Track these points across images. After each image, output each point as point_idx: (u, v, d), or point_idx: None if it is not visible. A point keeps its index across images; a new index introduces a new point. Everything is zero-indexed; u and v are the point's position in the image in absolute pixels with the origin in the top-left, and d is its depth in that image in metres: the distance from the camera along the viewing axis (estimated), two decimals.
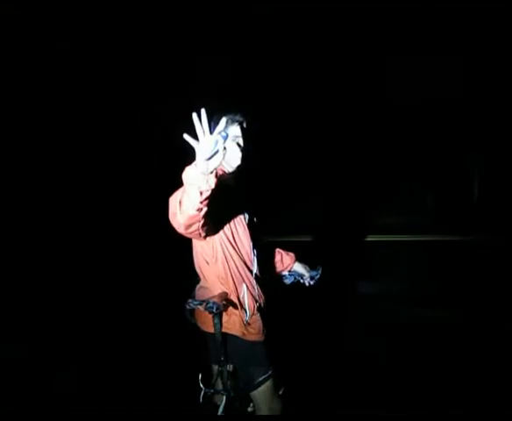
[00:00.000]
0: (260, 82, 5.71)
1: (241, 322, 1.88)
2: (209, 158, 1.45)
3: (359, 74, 6.33)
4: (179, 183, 1.53)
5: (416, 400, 2.87)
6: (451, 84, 6.22)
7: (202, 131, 1.44)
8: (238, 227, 1.91)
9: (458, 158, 7.24)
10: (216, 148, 1.44)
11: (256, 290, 1.95)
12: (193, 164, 1.49)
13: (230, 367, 1.90)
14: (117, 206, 4.85)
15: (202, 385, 1.82)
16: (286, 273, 2.31)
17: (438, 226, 6.77)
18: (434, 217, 7.29)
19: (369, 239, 6.60)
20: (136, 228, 4.82)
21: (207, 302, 1.75)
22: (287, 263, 2.28)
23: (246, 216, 1.97)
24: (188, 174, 1.48)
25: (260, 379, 1.88)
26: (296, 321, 4.04)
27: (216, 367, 1.92)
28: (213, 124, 1.94)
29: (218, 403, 1.87)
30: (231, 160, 1.92)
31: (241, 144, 1.92)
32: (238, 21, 4.85)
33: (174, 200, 1.57)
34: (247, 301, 1.90)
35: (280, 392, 2.10)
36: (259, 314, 1.93)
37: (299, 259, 2.31)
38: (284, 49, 5.57)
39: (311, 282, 2.29)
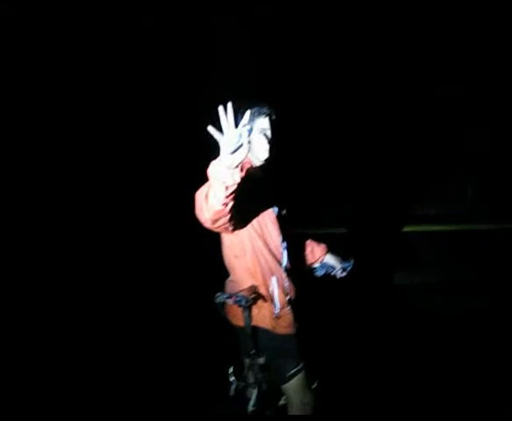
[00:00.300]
0: (292, 77, 5.66)
1: (271, 315, 1.87)
2: (234, 152, 1.43)
3: (400, 65, 6.18)
4: (202, 178, 1.53)
5: (461, 394, 2.79)
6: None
7: (227, 123, 1.43)
8: (267, 220, 1.89)
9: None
10: (241, 142, 1.42)
11: (286, 283, 1.93)
12: (218, 158, 1.47)
13: (261, 361, 1.89)
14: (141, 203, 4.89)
15: (233, 378, 1.83)
16: (317, 265, 2.27)
17: (479, 215, 6.52)
18: (475, 205, 7.03)
19: (409, 230, 6.44)
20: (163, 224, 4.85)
21: (236, 295, 1.75)
22: (318, 255, 2.25)
23: (275, 208, 1.94)
24: (214, 168, 1.46)
25: (292, 372, 1.87)
26: (334, 314, 4.02)
27: (247, 361, 1.91)
28: (239, 116, 1.93)
29: (249, 396, 1.86)
30: (259, 152, 1.90)
31: (268, 136, 1.90)
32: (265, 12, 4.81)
33: (200, 195, 1.56)
34: (277, 294, 1.88)
35: (314, 386, 2.08)
36: (289, 307, 1.91)
37: (330, 250, 2.27)
38: (319, 43, 5.50)
39: (343, 274, 2.25)
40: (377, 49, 5.95)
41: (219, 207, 1.51)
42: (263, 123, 1.88)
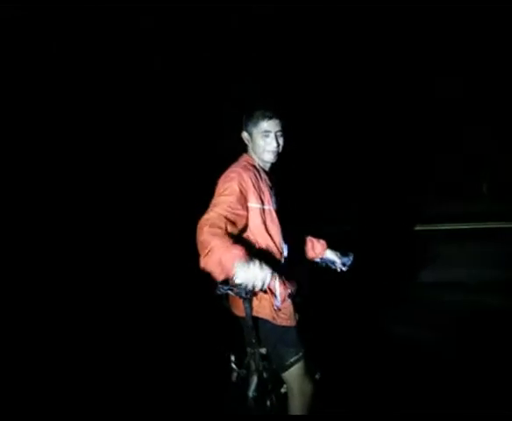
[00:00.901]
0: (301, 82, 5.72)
1: (271, 307, 1.96)
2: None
3: (409, 67, 6.20)
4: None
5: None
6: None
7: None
8: (269, 217, 1.99)
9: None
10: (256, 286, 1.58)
11: (287, 277, 2.02)
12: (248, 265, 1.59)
13: (262, 350, 1.99)
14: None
15: (234, 366, 1.93)
16: (318, 260, 2.36)
17: (494, 214, 6.47)
18: (490, 204, 6.98)
19: (424, 228, 6.44)
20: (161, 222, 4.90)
21: (237, 287, 1.84)
22: (318, 251, 2.33)
23: (276, 205, 2.04)
24: (238, 268, 1.59)
25: (291, 360, 1.95)
26: (348, 309, 4.07)
27: (249, 349, 2.01)
28: (245, 116, 2.04)
29: (250, 383, 1.96)
30: (261, 154, 2.01)
31: (271, 138, 1.99)
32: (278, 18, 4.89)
33: (205, 243, 1.67)
34: (278, 287, 1.97)
35: (317, 376, 2.17)
36: (290, 300, 2.00)
37: (330, 246, 2.36)
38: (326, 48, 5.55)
39: (343, 269, 2.33)
40: (386, 50, 5.98)
41: (215, 275, 1.65)
42: (266, 125, 1.98)
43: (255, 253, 1.89)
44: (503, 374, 3.03)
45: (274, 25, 5.42)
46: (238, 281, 1.58)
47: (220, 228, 1.71)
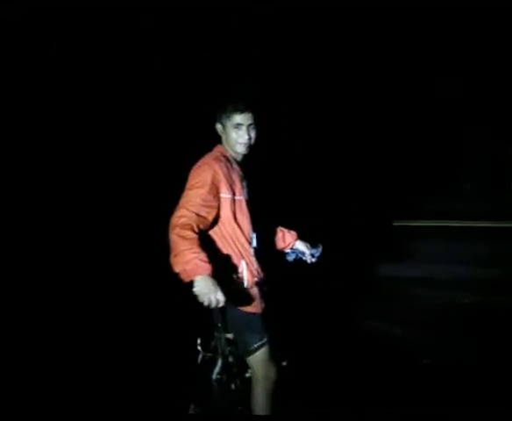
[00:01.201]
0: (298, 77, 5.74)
1: (239, 294, 2.03)
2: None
3: (407, 67, 6.26)
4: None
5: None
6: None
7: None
8: (239, 207, 2.05)
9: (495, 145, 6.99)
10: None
11: (255, 266, 2.09)
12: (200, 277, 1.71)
13: (227, 335, 2.06)
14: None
15: (200, 349, 2.00)
16: (288, 250, 2.43)
17: (475, 212, 6.60)
18: (473, 203, 7.10)
19: (403, 224, 6.55)
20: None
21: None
22: (288, 241, 2.41)
23: (247, 196, 2.10)
24: (193, 270, 1.72)
25: (255, 346, 2.03)
26: (320, 302, 4.15)
27: (215, 334, 2.08)
28: (218, 109, 2.09)
29: (215, 367, 2.03)
30: (233, 146, 2.07)
31: (243, 131, 2.03)
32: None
33: (174, 245, 1.78)
34: (246, 275, 2.04)
35: (284, 363, 2.25)
36: (256, 289, 2.08)
37: (301, 237, 2.43)
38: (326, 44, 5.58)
39: (312, 260, 2.41)
40: (386, 50, 6.03)
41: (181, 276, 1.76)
42: (238, 118, 2.03)
43: (222, 259, 1.99)
44: (472, 369, 3.15)
45: (275, 26, 5.44)
46: (194, 291, 1.71)
47: (191, 229, 1.79)
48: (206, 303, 1.71)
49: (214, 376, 1.98)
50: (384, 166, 6.93)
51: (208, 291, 1.70)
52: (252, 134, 2.06)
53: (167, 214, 1.91)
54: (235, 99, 2.07)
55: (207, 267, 1.72)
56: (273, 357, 2.10)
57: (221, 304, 1.73)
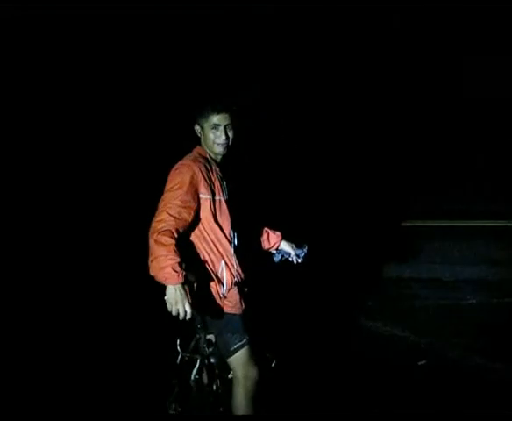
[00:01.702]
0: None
1: (218, 294, 2.03)
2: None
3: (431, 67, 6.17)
4: None
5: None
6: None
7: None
8: (219, 207, 2.05)
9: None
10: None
11: (235, 266, 2.08)
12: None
13: (209, 336, 2.06)
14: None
15: (179, 349, 2.00)
16: (274, 251, 2.42)
17: (482, 212, 6.46)
18: (480, 202, 6.95)
19: (409, 225, 6.45)
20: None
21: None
22: (273, 242, 2.39)
23: (227, 196, 2.09)
24: (165, 277, 1.75)
25: (235, 346, 2.02)
26: (322, 301, 4.12)
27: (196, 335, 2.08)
28: (196, 110, 2.10)
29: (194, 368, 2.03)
30: (211, 146, 2.07)
31: (221, 131, 2.04)
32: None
33: (151, 251, 1.81)
34: (225, 276, 2.04)
35: (273, 365, 2.25)
36: (236, 289, 2.07)
37: (286, 237, 2.42)
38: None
39: (298, 260, 2.39)
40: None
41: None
42: (215, 119, 2.03)
43: (202, 260, 2.01)
44: (475, 368, 3.10)
45: (275, 26, 5.42)
46: (165, 298, 1.76)
47: (170, 235, 1.81)
48: (173, 313, 1.74)
49: (192, 377, 1.98)
50: (391, 165, 6.85)
51: (175, 302, 1.74)
52: (230, 134, 2.06)
53: (145, 216, 1.93)
54: (212, 100, 2.07)
55: (179, 278, 1.74)
56: (255, 358, 2.10)
57: (188, 317, 1.75)
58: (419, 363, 3.22)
